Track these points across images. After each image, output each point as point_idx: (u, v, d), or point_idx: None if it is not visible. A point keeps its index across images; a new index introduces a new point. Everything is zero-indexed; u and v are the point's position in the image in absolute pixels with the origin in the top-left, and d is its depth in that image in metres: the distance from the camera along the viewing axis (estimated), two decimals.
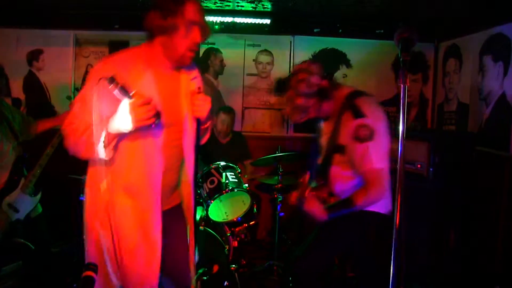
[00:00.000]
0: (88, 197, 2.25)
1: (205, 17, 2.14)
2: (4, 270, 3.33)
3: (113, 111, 1.98)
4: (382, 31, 5.35)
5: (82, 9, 4.99)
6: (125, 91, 1.90)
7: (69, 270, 4.47)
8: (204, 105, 2.22)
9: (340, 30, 5.39)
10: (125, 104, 1.92)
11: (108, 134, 1.99)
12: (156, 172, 2.18)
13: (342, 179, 2.69)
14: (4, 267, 3.33)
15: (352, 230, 2.73)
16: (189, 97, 2.28)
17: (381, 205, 2.62)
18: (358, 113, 2.51)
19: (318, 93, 2.64)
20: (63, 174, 4.02)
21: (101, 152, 2.00)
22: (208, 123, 2.40)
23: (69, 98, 4.02)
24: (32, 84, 5.63)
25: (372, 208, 2.62)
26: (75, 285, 4.05)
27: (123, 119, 1.94)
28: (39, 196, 3.25)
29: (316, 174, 2.83)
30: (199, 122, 2.24)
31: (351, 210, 2.53)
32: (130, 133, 2.01)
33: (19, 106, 5.50)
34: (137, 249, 2.20)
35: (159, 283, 2.28)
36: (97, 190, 2.18)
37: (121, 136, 2.04)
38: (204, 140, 2.47)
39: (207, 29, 2.14)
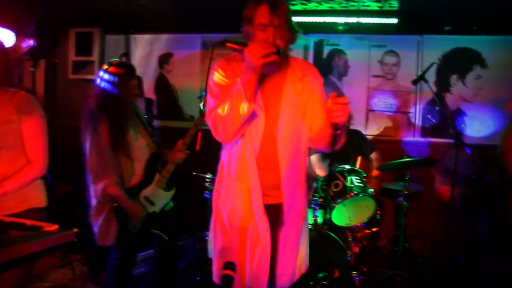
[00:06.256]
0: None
1: (287, 17, 2.22)
2: (139, 256, 3.56)
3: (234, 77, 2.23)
4: None
5: (209, 13, 5.18)
6: (241, 43, 2.16)
7: (192, 263, 4.67)
8: (343, 110, 2.04)
9: (475, 27, 5.01)
10: (245, 51, 2.11)
11: (244, 84, 2.13)
12: (251, 166, 2.28)
13: None
14: (140, 254, 3.57)
15: None
16: (290, 97, 2.32)
17: None
18: None
19: None
20: (188, 172, 4.20)
21: (243, 106, 2.12)
22: (342, 130, 2.23)
23: (200, 97, 4.19)
24: (163, 85, 5.99)
25: None
26: (198, 278, 4.22)
27: (248, 63, 2.10)
28: (173, 191, 3.40)
29: None
30: (335, 127, 2.11)
31: None
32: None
33: (151, 106, 5.87)
34: (243, 225, 2.33)
35: None
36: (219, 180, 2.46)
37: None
38: (338, 146, 2.35)
39: (284, 29, 2.20)
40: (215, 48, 2.22)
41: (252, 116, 2.19)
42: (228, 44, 2.15)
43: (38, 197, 2.72)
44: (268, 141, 2.29)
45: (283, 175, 2.32)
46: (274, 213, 2.36)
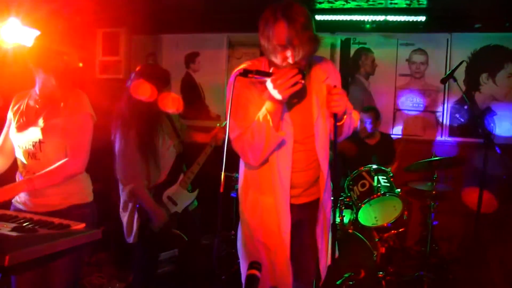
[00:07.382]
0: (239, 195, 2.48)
1: (307, 31, 2.01)
2: (162, 256, 3.58)
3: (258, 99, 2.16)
4: None
5: (234, 12, 5.18)
6: (263, 72, 2.04)
7: (218, 262, 4.67)
8: (340, 100, 2.11)
9: (507, 24, 4.87)
10: (269, 82, 2.01)
11: (270, 114, 2.08)
12: (285, 173, 2.26)
13: None
14: (162, 253, 3.59)
15: None
16: (320, 100, 2.28)
17: None
18: None
19: None
20: (215, 170, 4.19)
21: (272, 137, 2.11)
22: (344, 120, 2.28)
23: None
24: (189, 84, 6.01)
25: None
26: (223, 277, 4.23)
27: (274, 95, 2.02)
28: (196, 192, 3.40)
29: None
30: (335, 117, 2.14)
31: None
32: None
33: None
34: (267, 241, 2.33)
35: None
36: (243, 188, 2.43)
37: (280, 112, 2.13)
38: (342, 137, 2.42)
39: (305, 44, 2.01)
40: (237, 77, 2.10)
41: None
42: (250, 75, 2.02)
43: (80, 193, 2.69)
44: (301, 148, 2.30)
45: (323, 173, 2.36)
46: (310, 210, 2.41)
